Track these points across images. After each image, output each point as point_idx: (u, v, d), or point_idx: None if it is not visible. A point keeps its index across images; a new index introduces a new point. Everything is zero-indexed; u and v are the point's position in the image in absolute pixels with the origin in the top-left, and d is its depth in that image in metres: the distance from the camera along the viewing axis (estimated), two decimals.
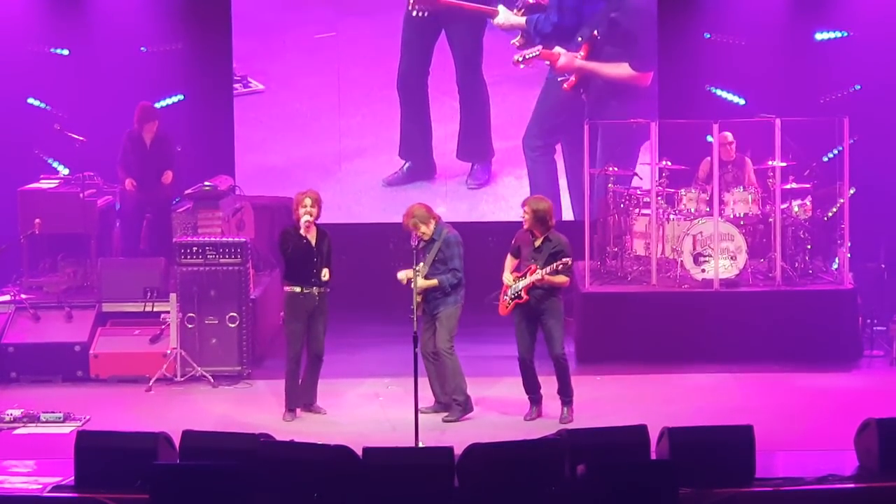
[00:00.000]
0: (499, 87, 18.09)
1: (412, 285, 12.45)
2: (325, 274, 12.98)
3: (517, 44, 17.95)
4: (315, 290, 12.99)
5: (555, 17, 17.95)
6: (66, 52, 17.16)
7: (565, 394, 12.99)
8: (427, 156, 18.04)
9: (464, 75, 18.08)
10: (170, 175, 16.03)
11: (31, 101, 16.73)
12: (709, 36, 17.37)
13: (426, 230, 12.83)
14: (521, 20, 17.94)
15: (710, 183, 15.59)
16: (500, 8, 17.96)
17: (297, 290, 13.00)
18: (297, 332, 13.07)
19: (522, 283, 12.75)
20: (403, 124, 18.06)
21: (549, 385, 13.08)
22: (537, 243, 12.84)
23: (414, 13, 17.91)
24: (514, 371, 13.31)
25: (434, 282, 12.79)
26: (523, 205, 12.99)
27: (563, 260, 12.75)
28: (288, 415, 13.03)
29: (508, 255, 13.05)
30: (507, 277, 12.89)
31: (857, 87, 16.91)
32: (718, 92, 17.33)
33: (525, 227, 12.89)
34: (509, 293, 12.85)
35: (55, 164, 17.01)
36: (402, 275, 12.75)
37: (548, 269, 12.68)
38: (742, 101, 17.27)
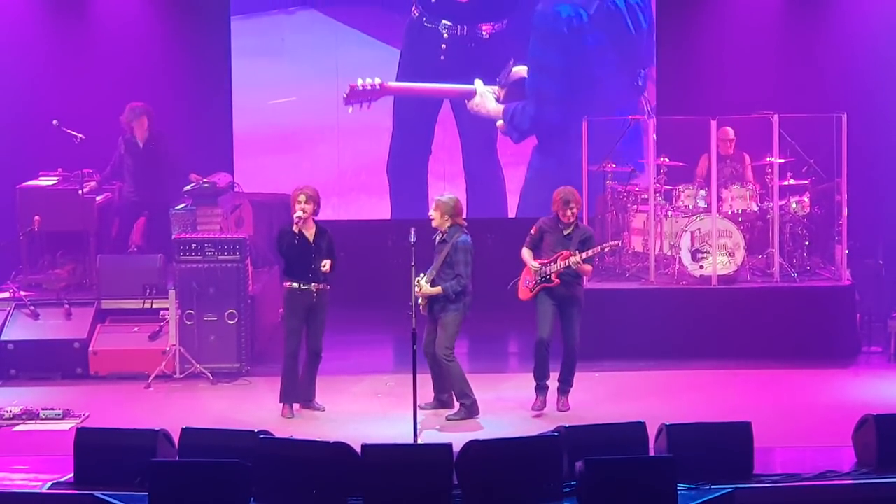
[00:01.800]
0: (515, 169, 16.67)
1: (413, 286, 12.44)
2: (326, 265, 12.96)
3: (502, 129, 16.30)
4: (313, 286, 12.99)
5: (532, 108, 16.22)
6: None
7: (567, 382, 13.03)
8: None
9: (471, 157, 16.59)
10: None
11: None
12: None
13: (437, 219, 12.79)
14: (499, 108, 16.16)
15: (707, 179, 15.64)
16: (478, 85, 16.17)
17: (296, 286, 13.00)
18: (295, 328, 13.06)
19: (555, 267, 12.77)
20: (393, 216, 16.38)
21: (553, 382, 13.10)
22: (567, 231, 12.88)
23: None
24: (515, 368, 13.32)
25: (438, 289, 12.69)
26: (565, 205, 12.80)
27: (612, 242, 13.41)
28: (286, 411, 13.03)
29: (525, 249, 12.98)
30: (534, 264, 12.87)
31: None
32: None
33: (573, 219, 12.86)
34: (538, 276, 12.84)
35: None
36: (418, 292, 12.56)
37: (590, 250, 12.77)
38: None
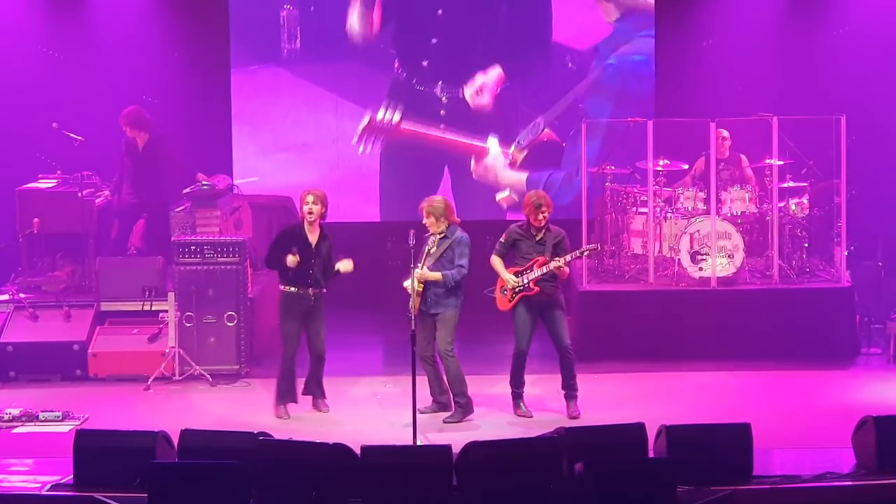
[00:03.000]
0: None
1: (411, 285, 12.45)
2: (348, 266, 12.96)
3: (503, 201, 15.08)
4: (310, 290, 12.97)
5: (578, 181, 14.62)
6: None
7: (572, 387, 12.98)
8: None
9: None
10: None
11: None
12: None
13: (433, 224, 12.77)
14: (510, 177, 14.86)
15: (704, 181, 15.64)
16: (492, 145, 14.99)
17: (293, 290, 12.97)
18: (291, 332, 13.03)
19: (533, 275, 12.75)
20: None
21: (551, 382, 13.13)
22: (539, 236, 12.85)
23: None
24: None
25: (438, 275, 12.65)
26: (537, 209, 12.73)
27: (590, 246, 13.43)
28: (280, 411, 13.00)
29: (495, 256, 12.94)
30: (509, 276, 12.86)
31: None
32: None
33: (544, 223, 12.83)
34: (518, 285, 12.81)
35: None
36: (409, 283, 12.61)
37: (568, 255, 12.71)
38: None
